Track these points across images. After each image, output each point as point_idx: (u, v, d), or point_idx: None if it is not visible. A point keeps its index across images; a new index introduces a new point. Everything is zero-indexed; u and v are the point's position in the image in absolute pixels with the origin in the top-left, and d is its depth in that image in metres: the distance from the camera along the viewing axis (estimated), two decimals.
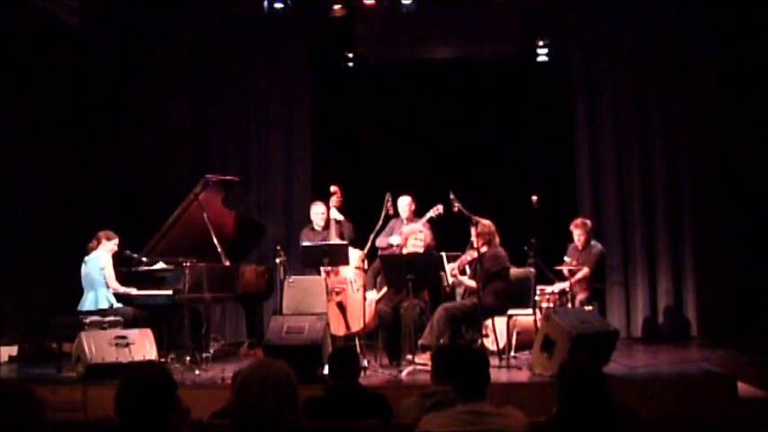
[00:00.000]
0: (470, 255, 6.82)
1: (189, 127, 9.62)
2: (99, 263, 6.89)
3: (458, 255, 7.08)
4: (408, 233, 7.04)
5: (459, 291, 7.41)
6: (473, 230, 6.77)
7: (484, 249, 6.75)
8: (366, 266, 7.31)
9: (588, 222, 7.92)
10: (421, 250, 6.92)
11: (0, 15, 7.80)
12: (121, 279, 7.03)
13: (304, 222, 9.02)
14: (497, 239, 6.86)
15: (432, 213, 7.34)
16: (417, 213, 7.69)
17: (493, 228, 6.84)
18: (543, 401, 3.98)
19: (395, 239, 7.47)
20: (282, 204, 9.59)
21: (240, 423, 2.45)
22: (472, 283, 6.81)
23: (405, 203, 7.67)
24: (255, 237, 8.27)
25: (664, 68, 9.00)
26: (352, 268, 7.24)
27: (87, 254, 6.96)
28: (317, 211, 7.81)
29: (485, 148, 9.59)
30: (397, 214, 7.61)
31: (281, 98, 9.70)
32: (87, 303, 6.84)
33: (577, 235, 7.77)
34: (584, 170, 9.16)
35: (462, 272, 7.04)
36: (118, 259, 7.07)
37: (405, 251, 6.97)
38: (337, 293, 7.20)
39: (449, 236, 7.53)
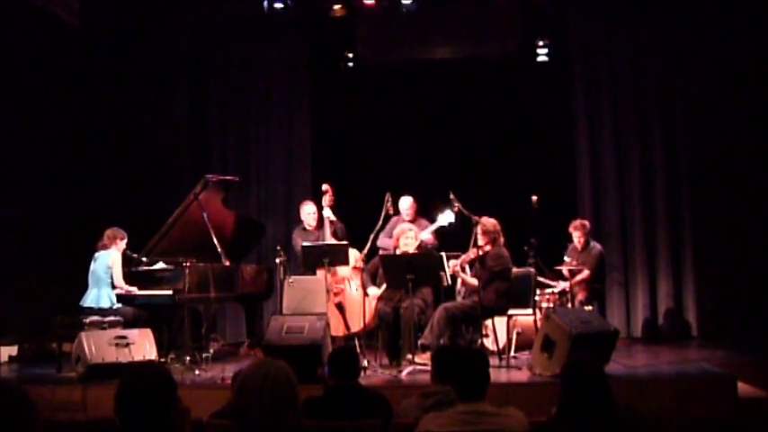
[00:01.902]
0: (473, 252, 6.83)
1: (189, 127, 9.62)
2: (107, 261, 6.91)
3: (458, 255, 7.09)
4: (399, 233, 7.04)
5: (460, 289, 7.40)
6: (475, 230, 6.77)
7: (488, 248, 6.75)
8: (363, 266, 7.30)
9: (587, 224, 7.93)
10: (412, 249, 6.93)
11: (0, 15, 7.80)
12: (124, 279, 7.03)
13: None
14: (501, 239, 6.86)
15: (444, 223, 7.25)
16: (419, 213, 7.66)
17: (498, 227, 6.83)
18: (543, 401, 3.97)
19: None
20: (282, 204, 9.59)
21: (240, 423, 2.45)
22: (474, 281, 6.81)
23: (407, 205, 7.59)
24: (255, 237, 8.27)
25: (664, 68, 9.00)
26: (350, 268, 7.23)
27: (99, 249, 6.98)
28: (308, 211, 7.80)
29: (485, 148, 9.59)
30: (397, 213, 7.56)
31: (280, 98, 9.70)
32: (89, 300, 6.86)
33: (577, 237, 7.78)
34: (584, 170, 9.15)
35: (464, 270, 7.05)
36: (124, 259, 7.09)
37: (398, 252, 6.97)
38: (336, 294, 7.18)
39: (449, 236, 7.51)
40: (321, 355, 5.90)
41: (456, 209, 7.09)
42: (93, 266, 6.96)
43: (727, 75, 8.68)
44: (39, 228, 8.21)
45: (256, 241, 8.40)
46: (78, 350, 6.16)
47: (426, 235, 7.33)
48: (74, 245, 8.05)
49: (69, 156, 8.76)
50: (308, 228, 7.82)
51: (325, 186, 7.58)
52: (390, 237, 7.52)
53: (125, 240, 7.04)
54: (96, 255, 6.99)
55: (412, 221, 7.57)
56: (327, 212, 7.55)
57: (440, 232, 7.38)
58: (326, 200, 7.54)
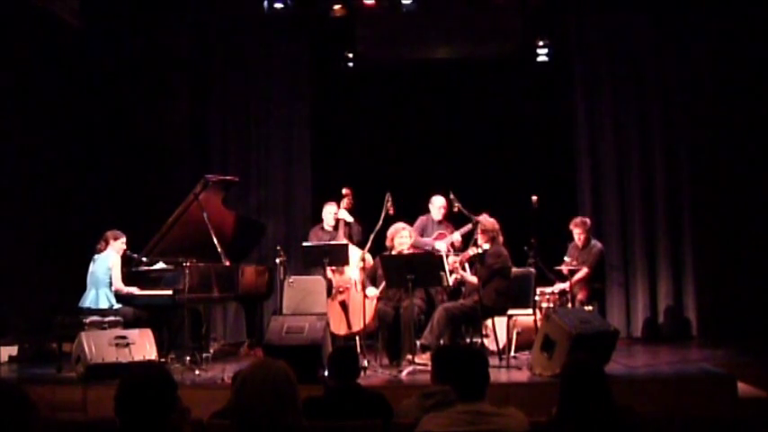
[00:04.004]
0: (473, 250, 6.84)
1: (189, 127, 9.62)
2: (107, 263, 6.92)
3: (458, 253, 7.10)
4: (393, 233, 7.03)
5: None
6: (475, 229, 6.79)
7: (486, 246, 6.76)
8: (366, 265, 7.31)
9: (587, 221, 7.92)
10: (407, 249, 6.93)
11: (0, 15, 7.80)
12: (124, 279, 7.03)
13: (305, 222, 9.05)
14: (500, 238, 6.87)
15: (467, 228, 7.29)
16: (448, 216, 7.65)
17: (497, 226, 6.85)
18: (543, 401, 3.97)
19: (441, 245, 7.43)
20: (283, 204, 9.59)
21: (240, 423, 2.45)
22: (473, 279, 6.81)
23: (438, 204, 7.65)
24: (255, 237, 8.27)
25: (664, 68, 9.00)
26: (356, 268, 7.24)
27: (96, 254, 6.99)
28: (329, 211, 7.82)
29: (485, 148, 9.59)
30: (396, 214, 7.53)
31: (281, 98, 9.70)
32: (88, 300, 6.87)
33: (577, 234, 7.78)
34: (584, 170, 9.16)
35: (463, 268, 7.06)
36: (123, 260, 7.09)
37: (393, 252, 6.97)
38: (341, 292, 7.21)
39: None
40: (321, 355, 5.90)
41: (456, 209, 7.10)
42: (92, 268, 6.97)
43: (727, 74, 8.68)
44: (39, 228, 8.21)
45: (256, 241, 8.40)
46: (78, 350, 6.15)
47: (456, 237, 7.38)
48: (74, 245, 8.05)
49: (69, 155, 8.76)
50: (326, 227, 7.84)
51: (345, 190, 7.62)
52: (421, 235, 7.56)
53: (123, 239, 7.04)
54: (96, 257, 6.99)
55: (440, 222, 7.61)
56: (343, 214, 7.60)
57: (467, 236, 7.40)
58: (344, 203, 7.58)
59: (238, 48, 9.71)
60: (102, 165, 9.09)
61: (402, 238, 6.97)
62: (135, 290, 7.03)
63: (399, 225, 7.12)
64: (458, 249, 7.38)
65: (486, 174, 9.39)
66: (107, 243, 7.00)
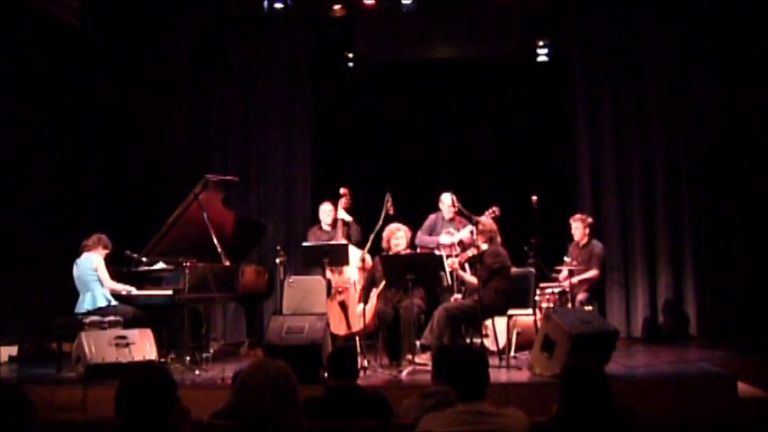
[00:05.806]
0: (471, 251, 6.83)
1: (189, 127, 9.62)
2: (90, 264, 6.85)
3: (457, 253, 7.10)
4: (388, 234, 7.03)
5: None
6: (474, 229, 6.79)
7: (485, 247, 6.76)
8: (365, 266, 7.31)
9: (588, 218, 7.91)
10: (403, 249, 6.93)
11: (0, 15, 7.80)
12: (121, 279, 7.01)
13: (304, 222, 9.05)
14: (498, 238, 6.87)
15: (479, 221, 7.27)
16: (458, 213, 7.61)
17: (494, 227, 6.85)
18: (543, 401, 3.97)
19: (445, 239, 7.43)
20: (282, 204, 9.60)
21: (240, 423, 2.45)
22: (473, 279, 6.81)
23: (447, 203, 7.63)
24: (255, 237, 8.27)
25: (664, 68, 9.00)
26: (356, 268, 7.24)
27: (81, 251, 6.94)
28: (324, 210, 7.83)
29: (485, 148, 9.59)
30: (396, 214, 7.54)
31: (280, 98, 9.70)
32: (85, 304, 6.80)
33: (575, 228, 7.76)
34: (584, 170, 9.16)
35: (462, 268, 7.06)
36: (112, 259, 7.05)
37: (391, 253, 6.97)
38: (340, 292, 7.21)
39: None
40: (321, 355, 5.90)
41: (456, 209, 7.10)
42: (76, 273, 6.87)
43: (727, 74, 8.68)
44: (39, 228, 8.21)
45: (256, 241, 8.40)
46: (78, 350, 6.15)
47: (465, 234, 7.37)
48: (74, 245, 8.04)
49: (69, 156, 8.76)
50: (324, 227, 7.85)
51: (343, 190, 7.65)
52: (429, 234, 7.55)
53: (107, 251, 6.98)
54: (77, 261, 6.90)
55: (451, 220, 7.60)
56: (342, 214, 7.62)
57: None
58: (342, 202, 7.59)
59: (238, 47, 9.71)
60: (103, 164, 9.08)
61: (398, 239, 6.97)
62: (131, 288, 7.00)
63: (394, 226, 7.12)
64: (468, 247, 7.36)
65: (486, 174, 9.40)
66: (94, 244, 6.91)
